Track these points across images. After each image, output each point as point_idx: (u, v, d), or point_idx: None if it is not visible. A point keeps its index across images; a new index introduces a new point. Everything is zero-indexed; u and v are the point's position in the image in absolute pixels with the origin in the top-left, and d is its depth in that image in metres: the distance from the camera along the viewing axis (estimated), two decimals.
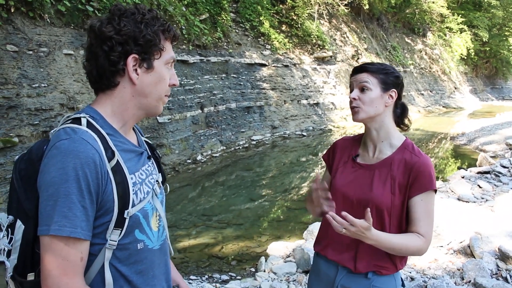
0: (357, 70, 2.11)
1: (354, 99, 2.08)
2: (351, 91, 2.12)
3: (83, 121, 1.39)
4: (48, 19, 8.80)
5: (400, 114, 2.18)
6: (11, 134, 7.24)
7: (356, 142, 2.26)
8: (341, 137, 2.41)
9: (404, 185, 2.01)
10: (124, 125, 1.51)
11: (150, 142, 1.74)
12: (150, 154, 1.65)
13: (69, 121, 1.41)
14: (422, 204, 2.00)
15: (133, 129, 1.62)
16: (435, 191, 2.04)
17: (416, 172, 2.00)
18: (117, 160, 1.40)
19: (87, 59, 1.46)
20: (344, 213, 1.85)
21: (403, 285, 2.20)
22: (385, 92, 2.07)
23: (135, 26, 1.41)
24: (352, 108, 2.11)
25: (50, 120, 8.02)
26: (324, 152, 2.42)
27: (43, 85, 8.16)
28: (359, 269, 2.08)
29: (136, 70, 1.44)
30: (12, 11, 8.02)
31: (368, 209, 1.84)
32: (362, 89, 2.07)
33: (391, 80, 2.08)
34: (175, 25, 12.32)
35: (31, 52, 8.19)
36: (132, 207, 1.42)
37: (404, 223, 2.06)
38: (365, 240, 1.91)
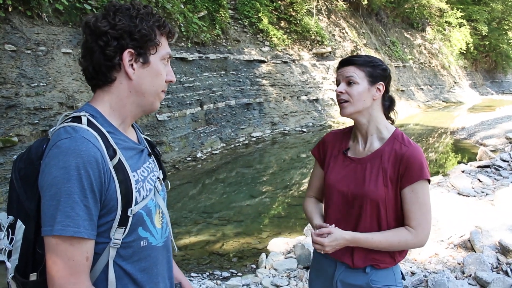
0: (344, 63, 2.08)
1: (341, 92, 2.06)
2: (337, 85, 2.10)
3: (84, 119, 1.38)
4: (46, 18, 8.78)
5: (388, 107, 2.15)
6: (10, 134, 7.24)
7: (346, 135, 2.24)
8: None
9: (395, 176, 2.00)
10: (123, 122, 1.50)
11: (149, 139, 1.74)
12: (150, 151, 1.64)
13: (69, 120, 1.40)
14: (413, 195, 1.98)
15: (133, 126, 1.62)
16: (429, 181, 2.02)
17: (406, 162, 1.98)
18: (119, 158, 1.39)
19: (82, 56, 1.46)
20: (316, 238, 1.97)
21: (403, 278, 2.19)
22: (372, 85, 2.04)
23: (130, 21, 1.41)
24: (339, 102, 2.09)
25: (50, 119, 8.02)
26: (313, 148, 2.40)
27: (42, 84, 8.16)
28: (356, 264, 2.07)
29: (132, 65, 1.44)
30: (10, 10, 8.01)
31: (320, 226, 2.00)
32: (349, 83, 2.04)
33: (378, 73, 2.05)
34: (173, 23, 12.30)
35: (29, 51, 8.18)
36: (135, 205, 1.41)
37: (401, 215, 2.05)
38: (348, 244, 1.99)
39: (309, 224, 6.31)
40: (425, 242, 2.04)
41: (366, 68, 2.03)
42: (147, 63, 1.46)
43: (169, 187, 1.75)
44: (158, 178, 1.61)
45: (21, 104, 7.62)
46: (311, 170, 2.41)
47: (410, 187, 1.98)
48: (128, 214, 1.39)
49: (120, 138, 1.45)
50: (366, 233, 2.00)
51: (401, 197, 2.01)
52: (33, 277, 1.39)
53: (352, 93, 2.03)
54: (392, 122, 2.18)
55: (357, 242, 1.98)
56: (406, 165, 1.98)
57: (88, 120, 1.39)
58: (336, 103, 2.14)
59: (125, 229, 1.40)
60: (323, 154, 2.28)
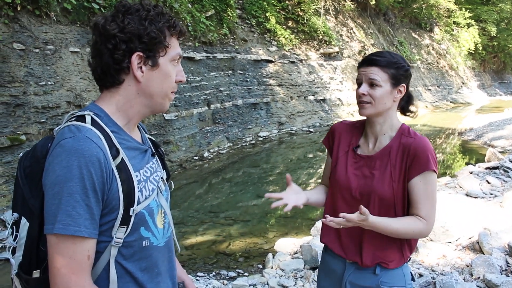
0: (367, 63, 2.04)
1: (364, 94, 2.02)
2: (359, 84, 2.06)
3: (87, 118, 1.38)
4: (54, 17, 8.82)
5: (406, 103, 2.13)
6: (18, 132, 7.27)
7: (356, 130, 2.22)
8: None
9: (403, 169, 1.99)
10: (129, 122, 1.50)
11: (154, 139, 1.73)
12: (154, 151, 1.64)
13: (73, 119, 1.40)
14: (421, 185, 1.97)
15: (137, 126, 1.61)
16: (435, 172, 1.99)
17: (413, 153, 1.97)
18: (122, 158, 1.39)
19: (92, 56, 1.46)
20: (342, 214, 1.86)
21: (412, 279, 2.17)
22: (395, 87, 2.02)
23: (139, 24, 1.40)
24: (360, 102, 2.05)
25: (57, 118, 8.04)
26: (324, 137, 2.39)
27: (49, 83, 8.19)
28: (366, 263, 2.06)
29: (140, 68, 1.43)
30: (19, 9, 8.04)
31: (362, 206, 1.84)
32: (372, 84, 2.00)
33: (401, 74, 2.02)
34: (181, 22, 12.30)
35: (37, 50, 8.21)
36: (137, 205, 1.42)
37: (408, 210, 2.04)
38: (364, 226, 1.92)
39: (316, 225, 6.29)
40: (430, 232, 2.05)
41: (390, 70, 1.99)
42: (156, 66, 1.45)
43: (173, 187, 1.74)
44: (162, 178, 1.61)
45: (29, 102, 7.65)
46: (319, 170, 2.39)
47: (418, 177, 1.97)
48: (130, 213, 1.40)
49: (123, 138, 1.45)
50: (385, 218, 1.97)
51: (409, 188, 2.00)
52: (36, 274, 1.39)
53: (375, 95, 2.00)
54: (414, 115, 2.17)
55: (376, 226, 1.93)
56: (413, 156, 1.97)
57: (92, 119, 1.39)
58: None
59: (127, 228, 1.40)
60: (332, 142, 2.27)
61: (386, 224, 1.95)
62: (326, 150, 2.36)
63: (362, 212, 1.83)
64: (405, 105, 2.14)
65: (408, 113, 2.16)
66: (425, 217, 1.97)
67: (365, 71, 2.03)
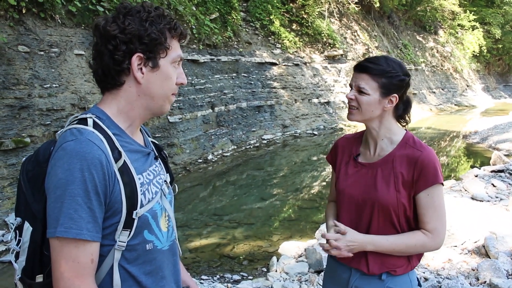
0: (360, 69, 2.02)
1: (351, 99, 2.01)
2: (351, 88, 2.05)
3: (89, 121, 1.38)
4: (59, 20, 8.83)
5: (402, 111, 2.10)
6: (23, 135, 7.28)
7: (357, 141, 2.21)
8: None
9: (409, 181, 1.96)
10: (131, 125, 1.50)
11: (157, 142, 1.73)
12: (157, 154, 1.63)
13: (75, 122, 1.40)
14: (429, 199, 1.95)
15: (140, 129, 1.61)
16: (442, 184, 1.98)
17: (420, 167, 1.94)
18: (124, 160, 1.39)
19: (93, 58, 1.46)
20: (324, 245, 1.99)
21: (419, 285, 2.15)
22: (384, 97, 1.98)
23: (140, 25, 1.40)
24: (349, 107, 2.05)
25: (62, 120, 8.05)
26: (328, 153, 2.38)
27: (54, 85, 8.20)
28: (372, 271, 2.03)
29: (141, 69, 1.43)
30: (24, 12, 8.06)
31: (335, 225, 2.00)
32: (360, 91, 1.99)
33: (394, 84, 1.97)
34: (185, 25, 12.32)
35: (42, 53, 8.23)
36: (140, 208, 1.41)
37: (413, 220, 2.02)
38: (365, 248, 1.97)
39: (320, 228, 6.27)
40: (440, 245, 2.02)
41: (381, 79, 1.96)
42: (156, 67, 1.45)
43: (177, 190, 1.73)
44: (165, 181, 1.60)
45: (33, 105, 7.66)
46: (323, 173, 2.38)
47: (425, 191, 1.95)
48: (133, 216, 1.39)
49: (126, 141, 1.45)
50: (382, 235, 1.98)
51: (416, 202, 1.98)
52: (39, 278, 1.39)
53: (361, 101, 1.99)
54: (406, 124, 2.14)
55: (373, 244, 1.96)
56: (421, 170, 1.94)
57: (94, 122, 1.39)
58: (347, 106, 2.09)
59: (130, 231, 1.39)
60: (335, 160, 2.26)
61: (383, 240, 1.97)
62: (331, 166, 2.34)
63: (337, 231, 1.96)
64: (402, 113, 2.10)
65: (401, 121, 2.13)
66: (432, 231, 1.96)
67: (356, 77, 2.02)
